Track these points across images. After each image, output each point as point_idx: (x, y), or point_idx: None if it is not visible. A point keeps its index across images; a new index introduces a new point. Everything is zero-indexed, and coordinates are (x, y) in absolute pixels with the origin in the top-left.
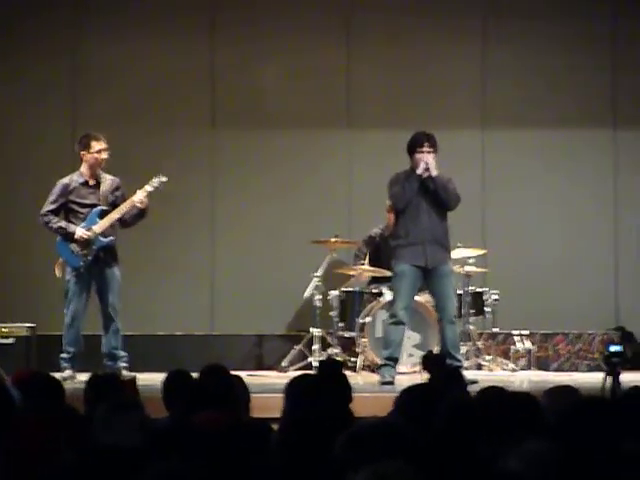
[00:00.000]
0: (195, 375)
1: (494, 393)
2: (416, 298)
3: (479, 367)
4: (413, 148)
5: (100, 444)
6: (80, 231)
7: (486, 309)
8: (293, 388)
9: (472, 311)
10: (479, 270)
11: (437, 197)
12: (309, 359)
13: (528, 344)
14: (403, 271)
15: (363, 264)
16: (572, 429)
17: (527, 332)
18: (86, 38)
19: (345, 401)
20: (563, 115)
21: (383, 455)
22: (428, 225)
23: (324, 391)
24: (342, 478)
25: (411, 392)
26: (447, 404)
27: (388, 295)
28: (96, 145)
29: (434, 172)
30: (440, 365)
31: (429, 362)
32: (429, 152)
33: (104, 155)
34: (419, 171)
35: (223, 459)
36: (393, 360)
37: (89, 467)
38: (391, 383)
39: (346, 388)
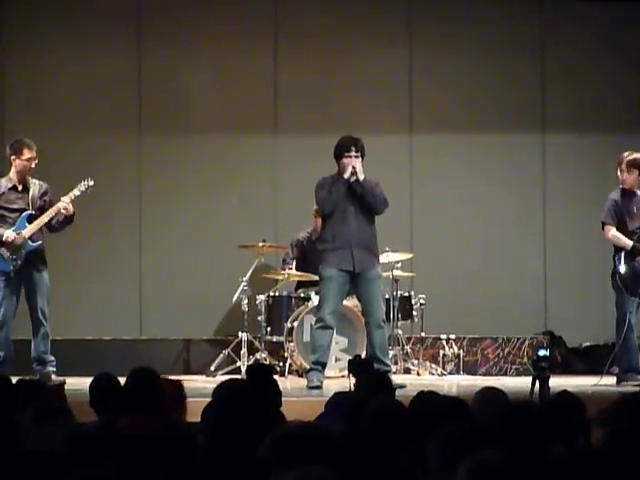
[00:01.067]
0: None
1: (427, 398)
2: (344, 302)
3: (407, 371)
4: (340, 152)
5: (26, 450)
6: (8, 232)
7: (414, 313)
8: (221, 392)
9: (400, 315)
10: (406, 274)
11: (364, 201)
12: (237, 363)
13: (456, 348)
14: (330, 275)
15: (291, 268)
16: (501, 433)
17: (455, 336)
18: (10, 43)
19: (275, 406)
20: (491, 119)
21: (306, 459)
22: (355, 229)
23: (253, 396)
24: None
25: (339, 397)
26: (373, 409)
27: (316, 299)
28: (27, 153)
29: (361, 176)
30: (367, 370)
31: (356, 367)
32: (356, 156)
33: (33, 164)
34: (346, 175)
35: (149, 463)
36: (321, 364)
37: (15, 473)
38: (319, 387)
39: (275, 393)
